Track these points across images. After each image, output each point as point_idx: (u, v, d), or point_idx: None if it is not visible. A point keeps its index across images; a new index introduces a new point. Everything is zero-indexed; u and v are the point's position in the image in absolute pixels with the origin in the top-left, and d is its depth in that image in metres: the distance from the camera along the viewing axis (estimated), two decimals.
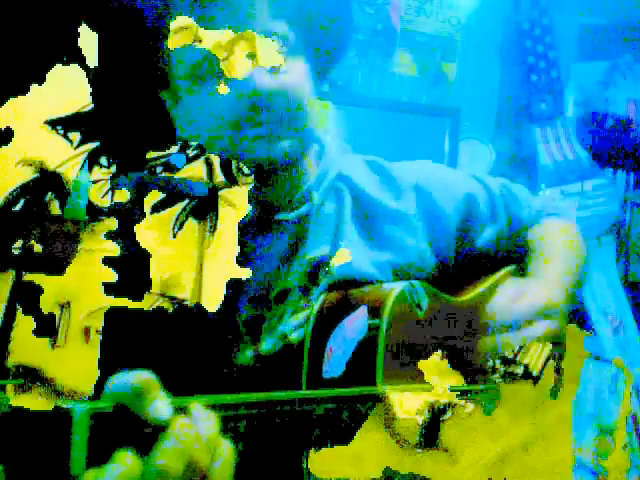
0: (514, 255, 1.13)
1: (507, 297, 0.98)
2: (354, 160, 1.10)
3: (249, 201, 0.89)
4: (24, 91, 0.71)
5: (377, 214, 1.03)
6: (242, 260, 0.90)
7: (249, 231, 0.93)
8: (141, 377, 0.56)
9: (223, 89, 0.82)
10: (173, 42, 0.78)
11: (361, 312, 0.88)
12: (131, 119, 0.82)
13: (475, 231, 1.09)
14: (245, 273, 0.86)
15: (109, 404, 0.55)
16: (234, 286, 0.86)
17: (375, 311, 0.87)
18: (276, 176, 0.94)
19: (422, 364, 0.87)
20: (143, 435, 0.55)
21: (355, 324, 0.87)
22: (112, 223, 0.78)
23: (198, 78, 0.86)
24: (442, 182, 1.09)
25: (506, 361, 0.94)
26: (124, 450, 0.54)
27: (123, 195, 0.79)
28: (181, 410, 0.58)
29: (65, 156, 0.77)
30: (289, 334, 0.91)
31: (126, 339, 0.78)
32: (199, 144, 0.86)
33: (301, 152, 0.95)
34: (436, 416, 0.83)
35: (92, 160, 0.78)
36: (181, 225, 0.84)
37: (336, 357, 0.86)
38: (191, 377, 0.63)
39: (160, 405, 0.56)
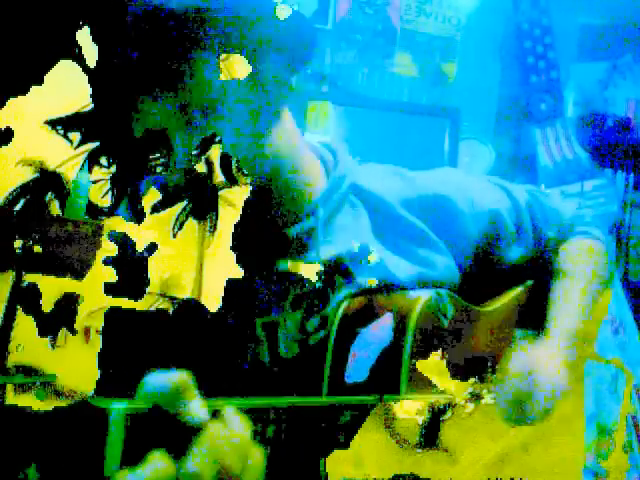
0: (540, 269, 1.12)
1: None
2: (373, 170, 1.07)
3: (254, 217, 0.88)
4: (24, 91, 0.71)
5: (398, 228, 1.01)
6: (251, 270, 0.89)
7: (256, 245, 0.92)
8: (178, 378, 0.56)
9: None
10: None
11: (387, 319, 0.88)
12: (131, 119, 0.82)
13: (499, 250, 1.07)
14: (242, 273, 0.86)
15: (146, 404, 0.55)
16: (250, 289, 0.86)
17: (401, 319, 0.87)
18: (277, 192, 0.93)
19: (421, 364, 0.87)
20: (178, 437, 0.55)
21: (380, 331, 0.87)
22: (112, 223, 0.78)
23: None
24: (467, 197, 1.05)
25: None
26: (158, 451, 0.53)
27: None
28: (215, 414, 0.58)
29: (65, 156, 0.77)
30: (307, 337, 0.90)
31: (126, 334, 0.78)
32: (200, 143, 0.86)
33: (265, 179, 0.92)
34: (436, 416, 0.83)
35: (92, 160, 0.78)
36: (181, 225, 0.84)
37: (359, 363, 0.86)
38: (212, 380, 0.63)
39: (196, 407, 0.56)
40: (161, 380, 0.56)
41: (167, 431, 0.55)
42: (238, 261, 0.85)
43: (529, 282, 1.11)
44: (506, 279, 1.09)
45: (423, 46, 2.71)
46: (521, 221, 1.09)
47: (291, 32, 0.87)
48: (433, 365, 0.88)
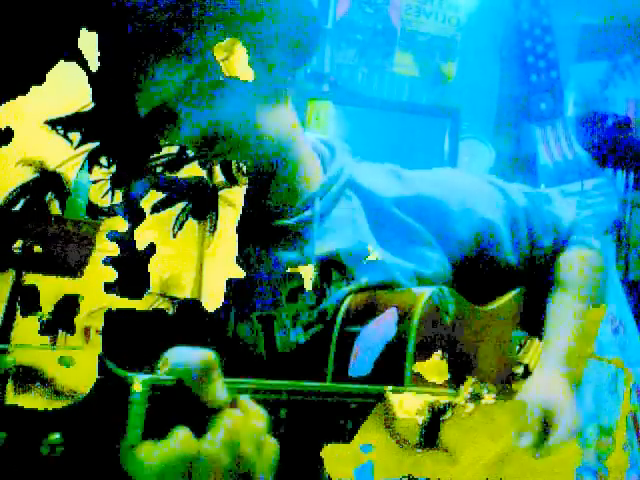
0: (536, 276, 1.11)
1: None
2: (370, 168, 1.08)
3: (250, 207, 0.89)
4: (24, 91, 0.71)
5: (393, 225, 1.01)
6: (247, 261, 0.90)
7: (251, 236, 0.93)
8: (204, 355, 0.56)
9: None
10: None
11: (390, 314, 0.88)
12: (131, 119, 0.82)
13: (493, 258, 1.07)
14: (243, 273, 0.86)
15: (170, 379, 0.55)
16: (244, 282, 0.87)
17: (405, 314, 0.87)
18: (275, 184, 0.94)
19: (420, 366, 0.87)
20: (198, 415, 0.55)
21: (384, 325, 0.87)
22: (112, 223, 0.78)
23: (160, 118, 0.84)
24: (461, 202, 1.05)
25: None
26: (182, 428, 0.54)
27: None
28: (233, 402, 0.58)
29: (65, 156, 0.77)
30: (304, 332, 0.91)
31: (126, 334, 0.79)
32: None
33: (264, 169, 0.93)
34: (436, 416, 0.83)
35: (92, 160, 0.78)
36: (181, 225, 0.84)
37: (363, 357, 0.86)
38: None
39: (219, 388, 0.56)
40: (187, 356, 0.56)
41: (188, 408, 0.55)
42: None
43: (521, 289, 1.11)
44: (499, 283, 1.09)
45: (423, 46, 2.71)
46: (517, 229, 1.08)
47: (295, 16, 0.88)
48: (433, 365, 0.89)
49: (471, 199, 1.07)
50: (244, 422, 0.57)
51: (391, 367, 0.85)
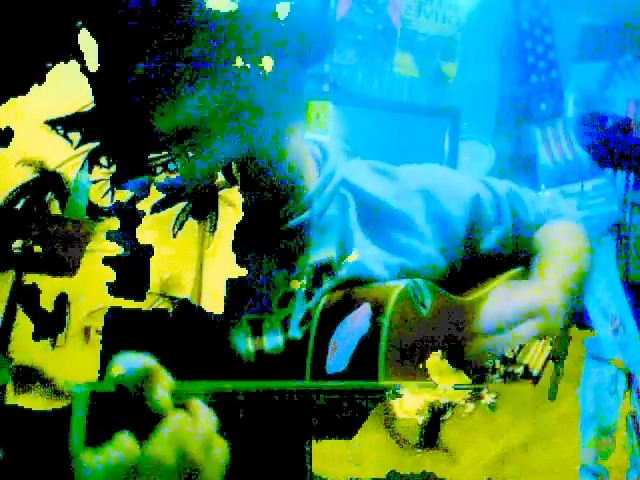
0: (521, 257, 1.13)
1: (499, 298, 0.98)
2: (359, 165, 1.10)
3: (247, 210, 0.89)
4: (24, 91, 0.71)
5: (385, 220, 1.03)
6: (242, 265, 0.90)
7: (248, 238, 0.93)
8: (145, 363, 0.57)
9: None
10: None
11: (364, 308, 0.88)
12: (131, 119, 0.82)
13: (481, 233, 1.09)
14: (244, 273, 0.86)
15: (110, 386, 0.56)
16: (239, 285, 0.87)
17: (378, 308, 0.87)
18: (272, 187, 0.95)
19: (428, 363, 0.87)
20: (142, 419, 0.56)
21: (358, 320, 0.88)
22: (112, 223, 0.78)
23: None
24: (449, 185, 1.10)
25: (506, 361, 0.95)
26: (123, 433, 0.55)
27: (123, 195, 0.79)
28: (181, 403, 0.59)
29: (65, 156, 0.77)
30: (292, 333, 0.91)
31: (126, 334, 0.79)
32: None
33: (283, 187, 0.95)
34: (436, 416, 0.83)
35: (92, 160, 0.78)
36: (181, 225, 0.84)
37: (339, 353, 0.86)
38: (193, 373, 0.64)
39: (161, 393, 0.57)
40: (128, 363, 0.57)
41: (131, 413, 0.56)
42: (238, 256, 0.86)
43: (512, 271, 1.11)
44: (487, 268, 1.10)
45: (423, 46, 2.71)
46: (500, 207, 1.12)
47: (293, 28, 0.88)
48: (433, 365, 0.89)
49: (458, 185, 1.12)
50: (191, 423, 0.58)
51: (365, 362, 0.85)
